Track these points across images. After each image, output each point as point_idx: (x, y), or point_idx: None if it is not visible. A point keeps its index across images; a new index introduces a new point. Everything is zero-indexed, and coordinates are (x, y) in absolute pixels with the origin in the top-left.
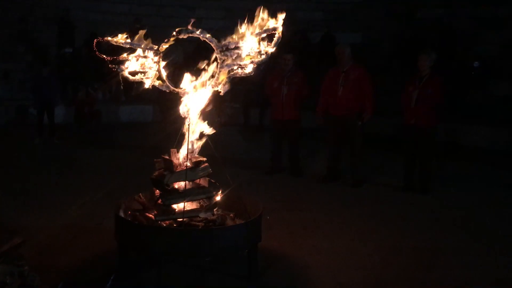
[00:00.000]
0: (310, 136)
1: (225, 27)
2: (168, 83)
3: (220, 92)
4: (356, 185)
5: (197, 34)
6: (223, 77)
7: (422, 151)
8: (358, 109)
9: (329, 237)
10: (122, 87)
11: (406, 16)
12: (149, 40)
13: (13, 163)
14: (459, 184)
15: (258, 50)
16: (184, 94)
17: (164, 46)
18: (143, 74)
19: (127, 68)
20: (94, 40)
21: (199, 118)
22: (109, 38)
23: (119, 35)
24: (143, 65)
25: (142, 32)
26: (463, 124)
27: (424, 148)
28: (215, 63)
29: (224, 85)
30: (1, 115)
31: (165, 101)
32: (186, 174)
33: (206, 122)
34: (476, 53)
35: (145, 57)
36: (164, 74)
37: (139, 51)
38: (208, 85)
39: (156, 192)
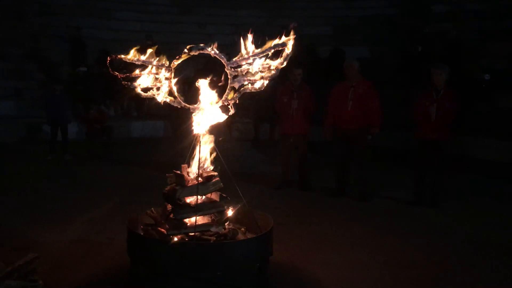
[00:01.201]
0: (319, 150)
1: (235, 43)
2: (179, 99)
3: (230, 109)
4: (363, 199)
5: (208, 51)
6: (233, 93)
7: (436, 165)
8: (366, 123)
9: (339, 251)
10: (133, 104)
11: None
12: (161, 56)
13: (26, 179)
14: (467, 197)
15: (267, 66)
16: (195, 110)
17: (176, 63)
18: (155, 90)
19: (139, 85)
20: (106, 58)
21: (209, 133)
22: (122, 56)
23: (131, 52)
24: (155, 82)
25: (153, 49)
26: (470, 136)
27: (438, 162)
28: (225, 79)
29: (234, 101)
30: (14, 132)
31: (176, 117)
32: (197, 188)
33: (216, 137)
34: (483, 66)
35: (157, 73)
36: (175, 90)
37: (151, 68)
38: (219, 101)
39: (168, 207)
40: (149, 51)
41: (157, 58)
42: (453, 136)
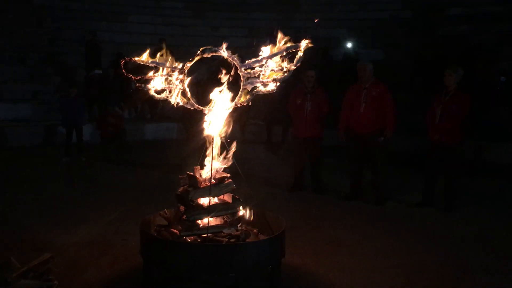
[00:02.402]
0: (333, 153)
1: (248, 45)
2: (192, 101)
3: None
4: (379, 203)
5: (221, 53)
6: (245, 94)
7: (448, 168)
8: (380, 126)
9: (352, 254)
10: (147, 106)
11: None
12: (172, 58)
13: (42, 181)
14: (484, 201)
15: (280, 68)
16: (208, 111)
17: (189, 65)
18: (168, 92)
19: (153, 87)
20: (121, 60)
21: (222, 135)
22: (136, 58)
23: (144, 55)
24: (169, 84)
25: (167, 52)
26: (487, 141)
27: (450, 165)
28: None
29: (247, 102)
30: (30, 135)
31: (190, 118)
32: (210, 190)
33: (229, 139)
34: (500, 68)
35: (170, 75)
36: (188, 92)
37: (164, 70)
38: (232, 102)
39: (181, 208)
40: (159, 54)
41: (169, 59)
42: (461, 140)
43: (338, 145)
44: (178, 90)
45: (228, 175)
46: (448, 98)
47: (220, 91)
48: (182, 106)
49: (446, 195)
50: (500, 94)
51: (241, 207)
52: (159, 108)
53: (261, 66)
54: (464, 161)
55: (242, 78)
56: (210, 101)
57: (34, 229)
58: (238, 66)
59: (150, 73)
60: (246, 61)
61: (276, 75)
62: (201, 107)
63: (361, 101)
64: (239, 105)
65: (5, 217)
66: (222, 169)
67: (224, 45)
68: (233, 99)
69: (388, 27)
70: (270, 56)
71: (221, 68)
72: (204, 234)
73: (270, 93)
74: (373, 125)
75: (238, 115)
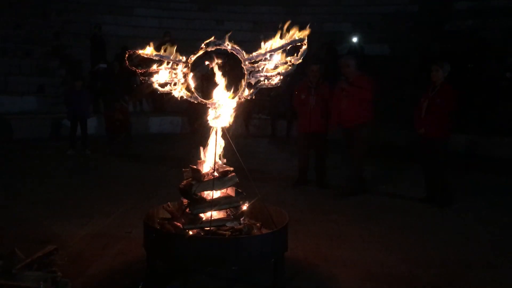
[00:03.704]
0: (336, 148)
1: (252, 39)
2: (196, 94)
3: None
4: (347, 194)
5: (225, 46)
6: (249, 88)
7: (433, 162)
8: (363, 119)
9: (355, 249)
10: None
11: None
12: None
13: (46, 173)
14: (487, 196)
15: (284, 61)
16: (211, 105)
17: (193, 58)
18: (172, 86)
19: (157, 80)
20: (125, 53)
21: (226, 129)
22: (140, 51)
23: (148, 48)
24: (172, 77)
25: (171, 45)
26: (492, 136)
27: (435, 159)
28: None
29: (250, 96)
30: (36, 128)
31: (193, 112)
32: (213, 183)
33: (233, 133)
34: (508, 64)
35: (174, 69)
36: (192, 85)
37: (168, 63)
38: (235, 96)
39: (184, 201)
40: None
41: (173, 52)
42: (447, 134)
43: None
44: (182, 83)
45: (232, 168)
46: (434, 93)
47: (224, 85)
48: (186, 99)
49: (440, 190)
50: (506, 90)
51: (244, 201)
52: (158, 101)
53: (265, 59)
54: (448, 155)
55: (245, 72)
56: (213, 94)
57: (39, 221)
58: (242, 60)
59: (154, 66)
60: (250, 55)
61: (280, 68)
62: (204, 100)
63: (343, 96)
64: (242, 99)
65: (10, 209)
66: (224, 163)
67: (227, 38)
68: (236, 92)
69: (394, 22)
70: (274, 50)
71: (226, 62)
72: (207, 227)
73: (274, 87)
74: (354, 119)
75: (242, 109)
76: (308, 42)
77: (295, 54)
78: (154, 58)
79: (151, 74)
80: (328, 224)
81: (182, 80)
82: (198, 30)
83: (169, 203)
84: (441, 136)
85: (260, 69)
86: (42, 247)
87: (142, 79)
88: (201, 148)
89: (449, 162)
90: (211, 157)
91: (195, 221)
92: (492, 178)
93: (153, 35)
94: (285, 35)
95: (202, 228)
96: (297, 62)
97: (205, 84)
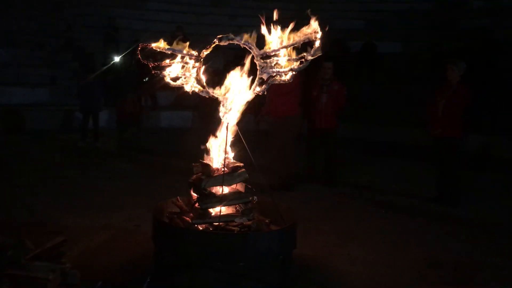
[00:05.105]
0: (347, 145)
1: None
2: (207, 89)
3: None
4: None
5: (238, 41)
6: (261, 84)
7: (447, 162)
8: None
9: (364, 247)
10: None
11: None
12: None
13: (58, 165)
14: (498, 197)
15: (297, 57)
16: (223, 100)
17: (205, 53)
18: (184, 80)
19: (169, 74)
20: (137, 47)
21: (237, 123)
22: (153, 45)
23: (161, 41)
24: (184, 71)
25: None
26: (503, 136)
27: (449, 159)
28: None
29: (263, 92)
30: (48, 120)
31: (205, 106)
32: (223, 179)
33: (243, 128)
34: None
35: (186, 63)
36: (204, 80)
37: (180, 57)
38: (248, 91)
39: (193, 196)
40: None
41: (187, 48)
42: (463, 134)
43: (354, 138)
44: (194, 77)
45: (242, 164)
46: (451, 92)
47: (236, 80)
48: (197, 94)
49: (450, 190)
50: None
51: (253, 197)
52: (158, 96)
53: (277, 55)
54: (463, 155)
55: (258, 67)
56: (225, 89)
57: (48, 212)
58: (255, 55)
59: (166, 61)
60: (263, 50)
61: (294, 64)
62: (216, 95)
63: (322, 98)
64: (254, 94)
65: (21, 200)
66: (234, 158)
67: (243, 35)
68: (248, 88)
69: (408, 19)
70: (287, 46)
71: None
72: (216, 222)
73: (285, 83)
74: (332, 121)
75: (253, 105)
76: (321, 38)
77: (308, 49)
78: (167, 52)
79: (163, 68)
80: (337, 221)
81: (194, 75)
82: (210, 25)
83: (178, 197)
84: (457, 135)
85: (273, 64)
86: (51, 238)
87: (154, 73)
88: (212, 143)
89: (462, 162)
90: (221, 152)
91: (204, 216)
92: (502, 179)
93: (165, 30)
94: (299, 31)
95: (210, 223)
96: (310, 58)
97: (217, 79)
